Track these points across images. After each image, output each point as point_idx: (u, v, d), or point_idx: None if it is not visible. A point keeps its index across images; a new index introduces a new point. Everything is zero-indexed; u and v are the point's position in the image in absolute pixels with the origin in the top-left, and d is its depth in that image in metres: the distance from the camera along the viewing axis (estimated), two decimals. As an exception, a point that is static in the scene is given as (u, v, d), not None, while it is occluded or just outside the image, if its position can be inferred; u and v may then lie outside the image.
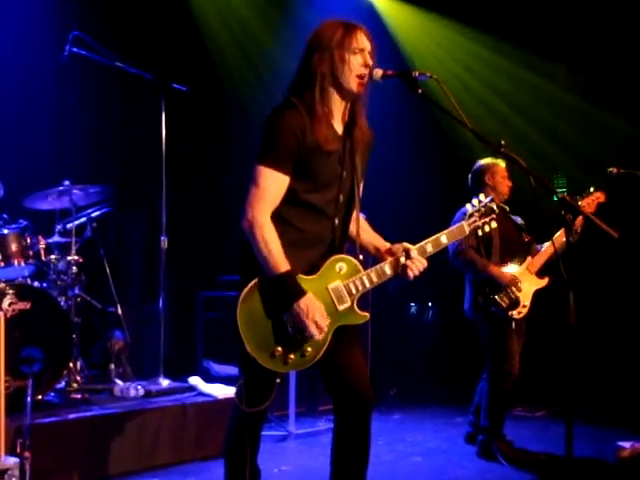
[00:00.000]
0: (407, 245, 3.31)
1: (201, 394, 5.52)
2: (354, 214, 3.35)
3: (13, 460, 3.91)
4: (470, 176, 5.70)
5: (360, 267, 3.24)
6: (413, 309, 8.92)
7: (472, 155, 5.94)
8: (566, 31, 7.72)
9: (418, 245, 3.32)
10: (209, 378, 6.06)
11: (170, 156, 5.80)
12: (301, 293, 3.06)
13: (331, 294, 3.18)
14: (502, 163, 5.60)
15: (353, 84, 3.19)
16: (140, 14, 7.49)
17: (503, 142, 3.15)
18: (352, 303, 3.21)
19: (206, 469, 5.05)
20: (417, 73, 3.17)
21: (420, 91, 3.16)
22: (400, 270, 3.28)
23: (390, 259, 3.29)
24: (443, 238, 3.36)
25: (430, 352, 8.52)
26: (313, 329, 3.06)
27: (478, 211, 3.43)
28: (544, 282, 5.44)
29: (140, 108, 7.30)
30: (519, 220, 5.67)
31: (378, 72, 3.22)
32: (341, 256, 3.23)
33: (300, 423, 6.25)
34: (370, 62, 3.21)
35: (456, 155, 7.84)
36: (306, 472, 5.11)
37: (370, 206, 4.11)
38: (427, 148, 8.52)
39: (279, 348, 3.10)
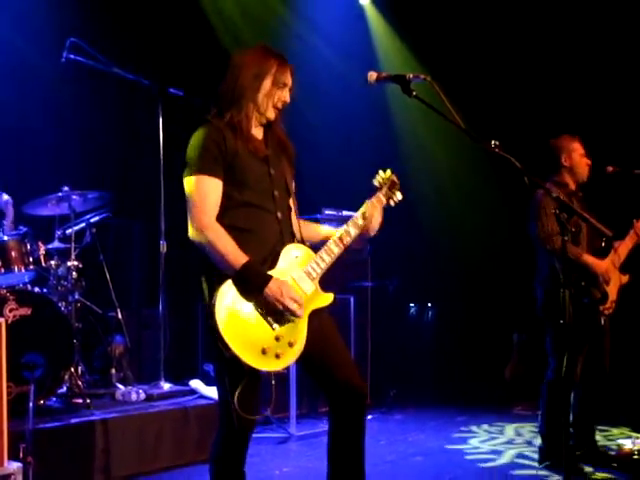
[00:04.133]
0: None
1: (202, 397, 5.55)
2: (293, 209, 3.49)
3: (16, 465, 3.92)
4: (545, 156, 5.18)
5: (311, 251, 3.39)
6: (413, 310, 8.95)
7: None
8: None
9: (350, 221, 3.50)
10: (210, 381, 6.07)
11: (168, 160, 5.81)
12: (267, 277, 3.16)
13: (296, 281, 3.27)
14: (577, 138, 5.13)
15: (270, 113, 3.38)
16: (136, 18, 7.51)
17: (496, 142, 3.18)
18: (316, 286, 3.33)
19: (208, 472, 5.06)
20: (411, 76, 3.21)
21: (414, 93, 3.20)
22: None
23: (333, 238, 3.43)
24: (364, 208, 3.53)
25: (430, 352, 8.55)
26: (292, 305, 3.15)
27: (385, 184, 3.62)
28: (625, 278, 5.14)
29: (138, 113, 7.33)
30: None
31: (373, 75, 3.27)
32: (293, 245, 3.35)
33: (301, 425, 6.28)
34: (288, 100, 3.40)
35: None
36: (308, 474, 5.12)
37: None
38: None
39: (266, 345, 3.13)
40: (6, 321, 4.02)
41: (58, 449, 4.60)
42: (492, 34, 8.25)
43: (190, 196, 3.23)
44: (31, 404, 4.28)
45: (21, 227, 5.46)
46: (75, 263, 5.76)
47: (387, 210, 3.63)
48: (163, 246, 5.71)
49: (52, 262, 5.70)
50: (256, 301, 3.14)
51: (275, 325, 3.17)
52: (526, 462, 5.35)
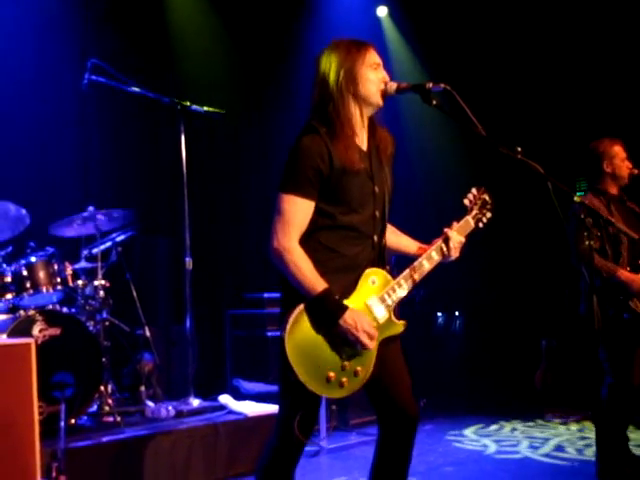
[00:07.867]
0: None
1: (232, 412, 5.54)
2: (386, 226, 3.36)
3: (49, 484, 3.97)
4: (585, 162, 5.04)
5: (389, 277, 3.25)
6: (440, 319, 8.92)
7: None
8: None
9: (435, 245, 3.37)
10: (239, 396, 6.08)
11: (191, 176, 5.83)
12: (343, 308, 3.06)
13: (370, 309, 3.18)
14: (619, 141, 4.98)
15: (377, 97, 3.23)
16: (156, 38, 7.59)
17: (519, 149, 3.17)
18: (389, 314, 3.22)
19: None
20: (431, 85, 3.18)
21: (434, 102, 3.18)
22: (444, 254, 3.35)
23: (413, 264, 3.31)
24: (453, 234, 3.39)
25: (459, 361, 8.52)
26: (365, 339, 3.06)
27: (475, 204, 3.49)
28: None
29: (160, 131, 7.38)
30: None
31: (392, 85, 3.24)
32: (372, 269, 3.23)
33: (332, 438, 6.25)
34: (387, 77, 3.26)
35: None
36: (339, 486, 5.12)
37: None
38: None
39: (332, 373, 3.06)
40: (36, 341, 4.06)
41: (90, 467, 4.60)
42: (506, 45, 8.28)
43: (277, 212, 3.11)
44: (62, 423, 4.31)
45: (48, 248, 5.51)
46: (102, 282, 5.80)
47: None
48: (189, 262, 5.71)
49: (79, 282, 5.75)
50: (328, 330, 3.06)
51: (344, 354, 3.09)
52: (559, 465, 5.32)
